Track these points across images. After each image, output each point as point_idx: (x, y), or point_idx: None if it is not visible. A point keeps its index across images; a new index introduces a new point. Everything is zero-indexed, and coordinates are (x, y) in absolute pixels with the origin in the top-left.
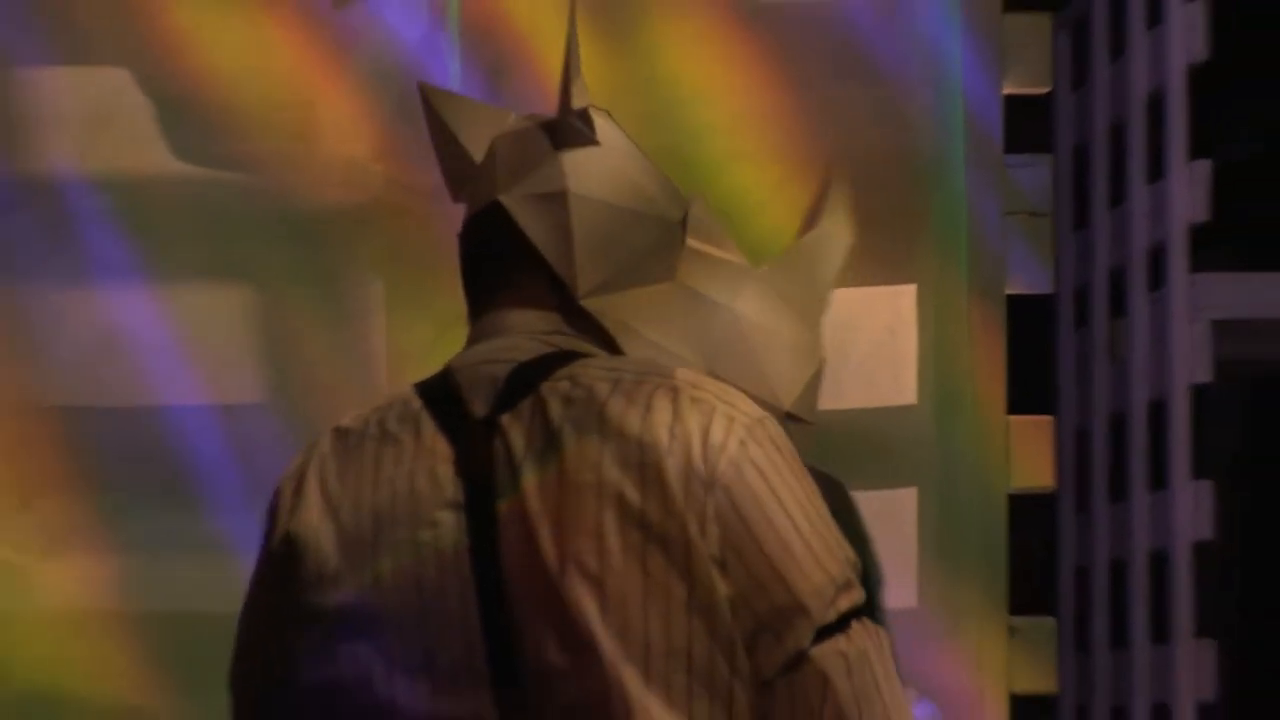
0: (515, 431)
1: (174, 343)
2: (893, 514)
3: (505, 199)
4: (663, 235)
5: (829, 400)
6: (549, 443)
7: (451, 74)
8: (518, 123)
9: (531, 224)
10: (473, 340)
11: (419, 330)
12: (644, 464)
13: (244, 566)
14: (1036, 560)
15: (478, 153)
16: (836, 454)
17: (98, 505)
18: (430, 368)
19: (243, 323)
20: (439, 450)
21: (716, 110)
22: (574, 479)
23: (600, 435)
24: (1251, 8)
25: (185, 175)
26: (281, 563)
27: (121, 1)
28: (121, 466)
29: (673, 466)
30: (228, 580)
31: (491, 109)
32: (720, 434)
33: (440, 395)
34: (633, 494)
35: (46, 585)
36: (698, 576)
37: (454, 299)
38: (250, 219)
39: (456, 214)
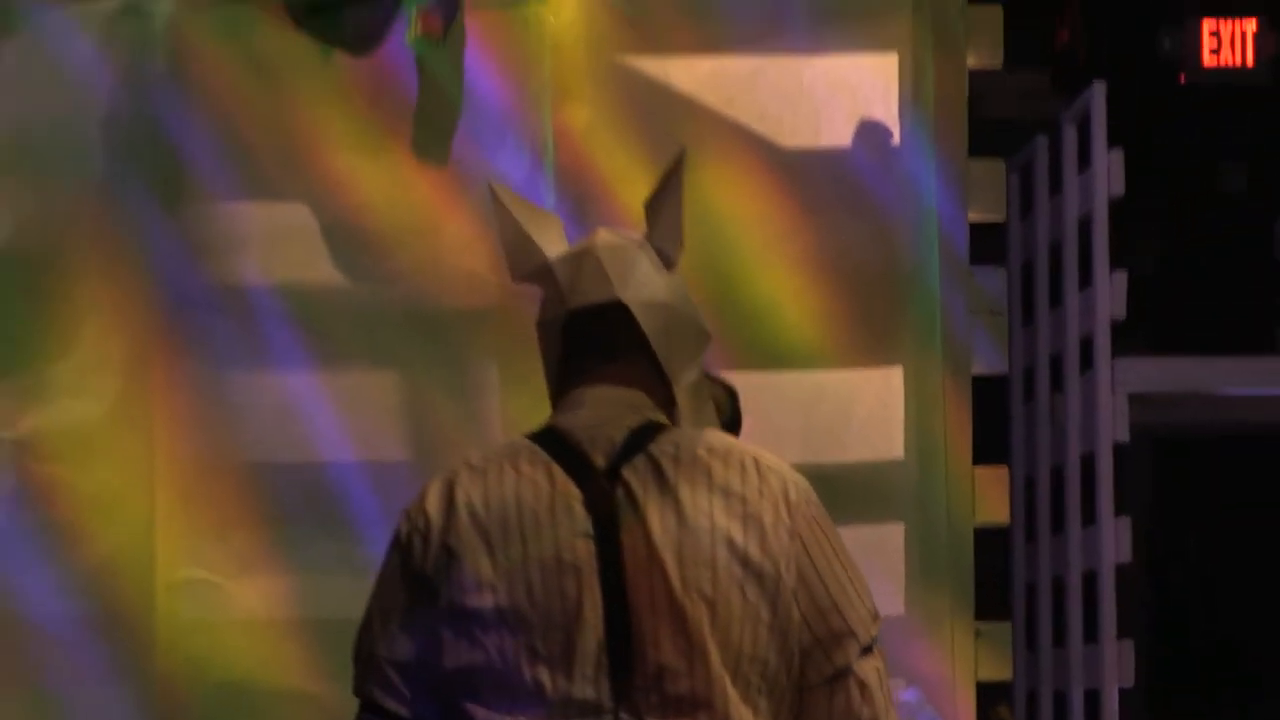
0: (634, 481)
1: (336, 413)
2: (884, 543)
3: (629, 302)
4: (702, 336)
5: (836, 454)
6: (665, 492)
7: (548, 205)
8: (609, 236)
9: (647, 323)
10: (572, 407)
11: (524, 401)
12: (746, 515)
13: None
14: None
15: (548, 243)
16: (842, 497)
17: (276, 537)
18: (529, 428)
19: (389, 398)
20: (570, 491)
21: (748, 233)
22: (692, 522)
23: (709, 490)
24: (1158, 155)
25: (345, 284)
26: (436, 570)
27: (296, 149)
28: (296, 508)
29: (768, 519)
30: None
31: (545, 212)
32: (795, 496)
33: (562, 448)
34: (738, 537)
35: (238, 600)
36: (781, 604)
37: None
38: (394, 318)
39: None
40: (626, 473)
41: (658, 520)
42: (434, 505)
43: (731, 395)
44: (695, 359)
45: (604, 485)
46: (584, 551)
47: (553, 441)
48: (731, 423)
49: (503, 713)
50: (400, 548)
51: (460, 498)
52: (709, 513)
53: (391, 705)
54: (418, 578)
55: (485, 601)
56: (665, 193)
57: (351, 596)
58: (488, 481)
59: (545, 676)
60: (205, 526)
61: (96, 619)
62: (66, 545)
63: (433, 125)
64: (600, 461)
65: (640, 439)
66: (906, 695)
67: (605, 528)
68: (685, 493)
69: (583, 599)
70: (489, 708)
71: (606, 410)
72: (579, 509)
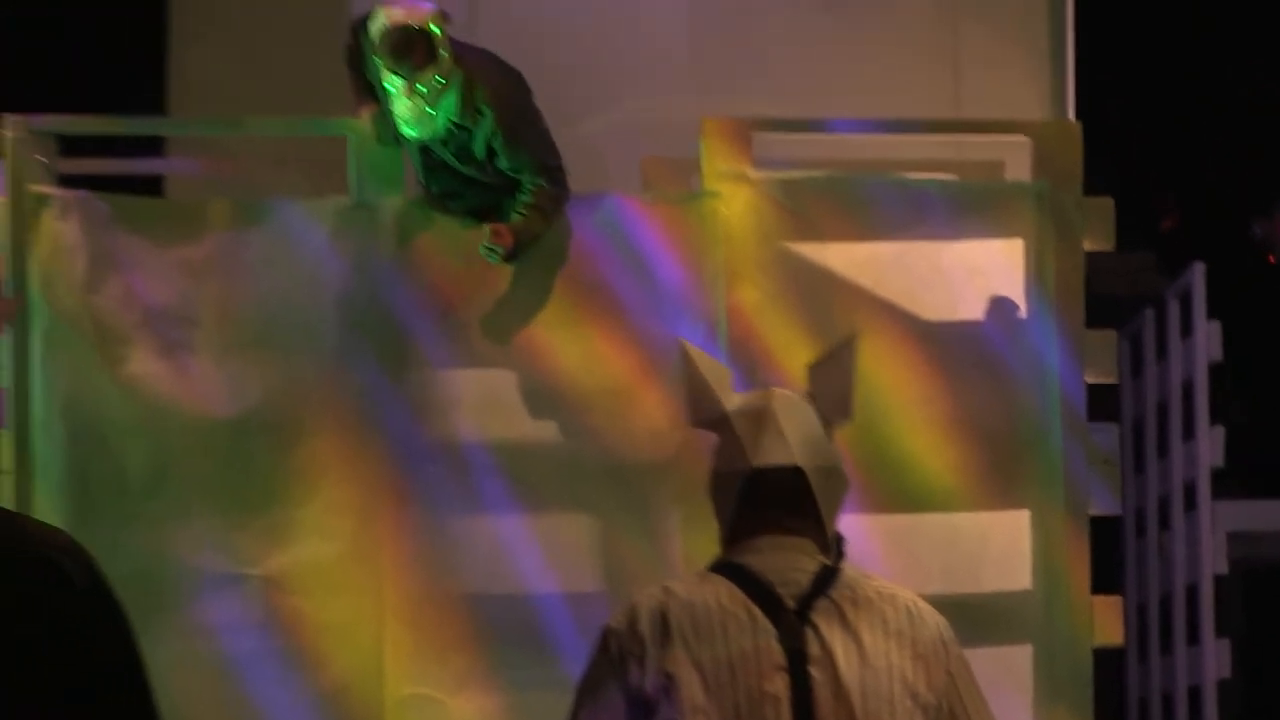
0: (821, 623)
1: (539, 551)
2: (1014, 662)
3: (806, 468)
4: (846, 487)
5: (971, 586)
6: (848, 632)
7: None
8: (784, 399)
9: (816, 485)
10: (756, 550)
11: (700, 541)
12: (915, 655)
13: None
14: (1112, 693)
15: (723, 395)
16: (978, 623)
17: (489, 659)
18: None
19: (585, 538)
20: (767, 629)
21: (893, 395)
22: (872, 661)
23: (885, 633)
24: (1250, 324)
25: (546, 439)
26: (656, 692)
27: (503, 324)
28: (506, 633)
29: (932, 659)
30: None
31: (720, 366)
32: (947, 637)
33: (756, 589)
34: (910, 675)
35: (456, 714)
36: None
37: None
38: (589, 468)
39: None
40: (814, 614)
41: (843, 658)
42: (648, 631)
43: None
44: (841, 507)
45: (795, 625)
46: (781, 683)
47: (747, 581)
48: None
49: None
50: (613, 664)
51: (674, 629)
52: (885, 653)
53: None
54: (636, 695)
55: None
56: (836, 369)
57: (553, 711)
58: (696, 615)
59: None
60: (428, 650)
61: None
62: (308, 667)
63: (621, 303)
64: (790, 602)
65: (822, 583)
66: None
67: (798, 663)
68: (865, 634)
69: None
70: None
71: (787, 556)
72: (775, 645)
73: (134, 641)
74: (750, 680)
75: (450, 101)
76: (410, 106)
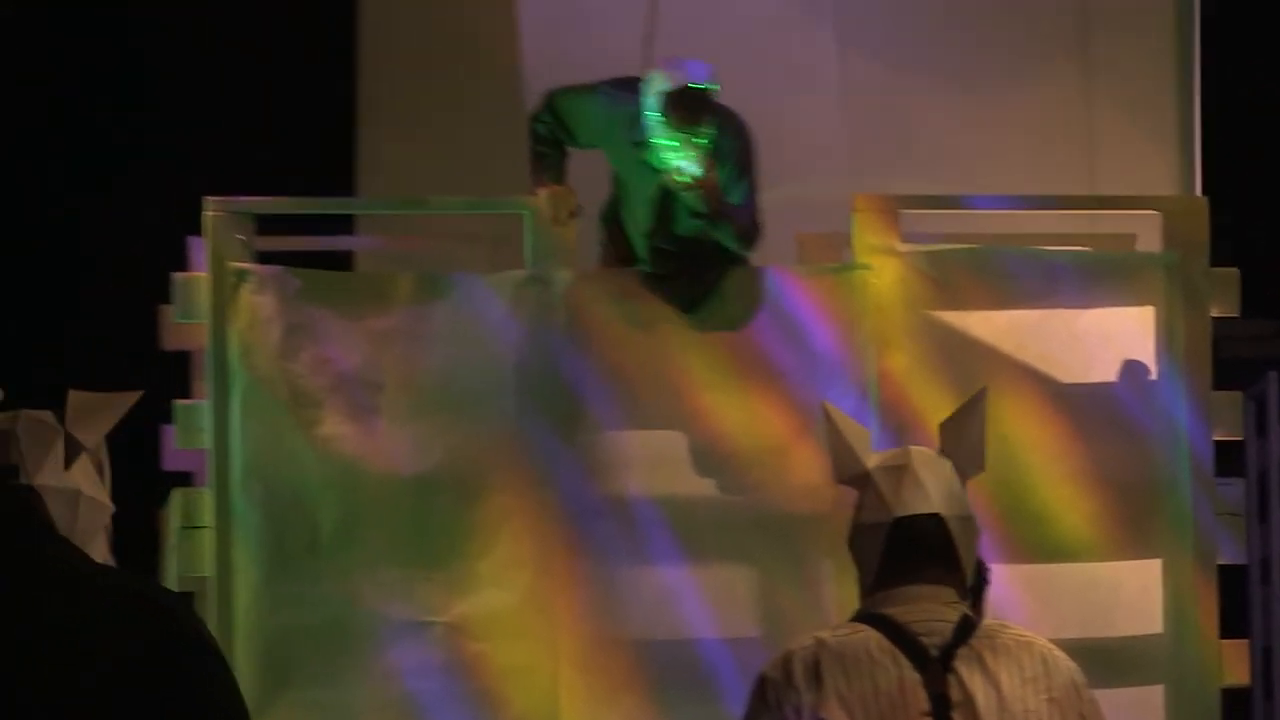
0: (963, 669)
1: (702, 600)
2: (1147, 702)
3: (945, 516)
4: (978, 535)
5: (1106, 630)
6: (988, 679)
7: (872, 431)
8: (922, 455)
9: (955, 532)
10: (901, 600)
11: (852, 591)
12: (1050, 699)
13: None
14: None
15: (863, 453)
16: (1112, 665)
17: (657, 700)
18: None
19: (744, 587)
20: (913, 677)
21: (1032, 452)
22: (1010, 706)
23: (1021, 679)
24: None
25: (709, 495)
26: None
27: (669, 388)
28: (672, 676)
29: (1066, 703)
30: None
31: (860, 427)
32: (1079, 681)
33: (902, 638)
34: (1045, 718)
35: None
36: None
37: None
38: (748, 522)
39: None
40: (956, 661)
41: (983, 703)
42: (802, 680)
43: (980, 571)
44: (976, 553)
45: (939, 672)
46: None
47: (894, 631)
48: (976, 597)
49: None
50: (769, 710)
51: (826, 677)
52: (1022, 698)
53: None
54: None
55: None
56: (969, 423)
57: None
58: (846, 663)
59: None
60: (600, 692)
61: None
62: (488, 708)
63: (779, 369)
64: (934, 651)
65: (963, 633)
66: None
67: (941, 707)
68: (1004, 680)
69: None
70: None
71: (931, 606)
72: (921, 692)
73: (236, 684)
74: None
75: (727, 162)
76: (687, 156)
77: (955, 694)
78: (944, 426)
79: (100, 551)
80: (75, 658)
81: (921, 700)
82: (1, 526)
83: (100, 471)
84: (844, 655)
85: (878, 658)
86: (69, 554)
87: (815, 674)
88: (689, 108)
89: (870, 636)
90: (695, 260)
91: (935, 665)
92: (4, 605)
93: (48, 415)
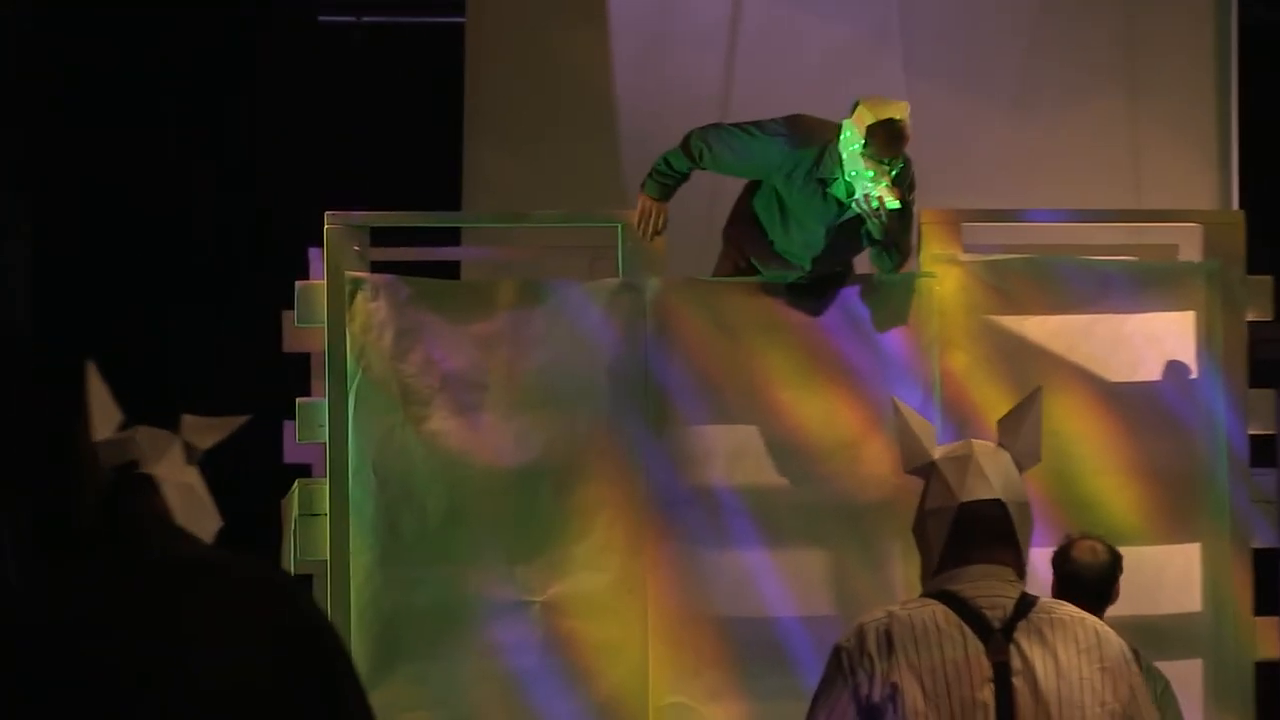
0: (1023, 641)
1: (780, 580)
2: (1188, 673)
3: (1006, 501)
4: (1032, 522)
5: (1150, 608)
6: (1046, 649)
7: (936, 425)
8: (983, 446)
9: (1015, 517)
10: (966, 579)
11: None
12: (1103, 669)
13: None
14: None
15: (929, 446)
16: (1155, 640)
17: (738, 673)
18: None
19: (819, 568)
20: (978, 647)
21: (1082, 445)
22: (1067, 675)
23: (1076, 650)
24: None
25: (787, 485)
26: (883, 699)
27: (751, 386)
28: (752, 651)
29: (1118, 673)
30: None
31: (926, 422)
32: (1128, 655)
33: (967, 612)
34: (1099, 686)
35: (711, 719)
36: None
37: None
38: (824, 509)
39: None
40: (1017, 634)
41: (1042, 671)
42: (875, 650)
43: (1114, 556)
44: (1031, 539)
45: (1002, 643)
46: (988, 693)
47: (960, 606)
48: (1113, 579)
49: None
50: (845, 677)
51: (900, 647)
52: (1077, 667)
53: None
54: (867, 704)
55: None
56: (1026, 419)
57: (792, 717)
58: (916, 634)
59: None
60: (686, 665)
61: None
62: (582, 680)
63: (852, 368)
64: (996, 624)
65: (1024, 608)
66: None
67: (1003, 675)
68: (1060, 651)
69: None
70: None
71: (993, 584)
72: (984, 661)
73: (352, 661)
74: (964, 690)
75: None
76: (883, 185)
77: (1016, 663)
78: (1002, 422)
79: (208, 537)
80: (211, 637)
81: (985, 668)
82: (125, 517)
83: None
84: (914, 627)
85: (945, 629)
86: (186, 540)
87: (888, 644)
88: (887, 141)
89: (938, 610)
90: (845, 277)
91: (998, 637)
92: (138, 589)
93: (163, 431)
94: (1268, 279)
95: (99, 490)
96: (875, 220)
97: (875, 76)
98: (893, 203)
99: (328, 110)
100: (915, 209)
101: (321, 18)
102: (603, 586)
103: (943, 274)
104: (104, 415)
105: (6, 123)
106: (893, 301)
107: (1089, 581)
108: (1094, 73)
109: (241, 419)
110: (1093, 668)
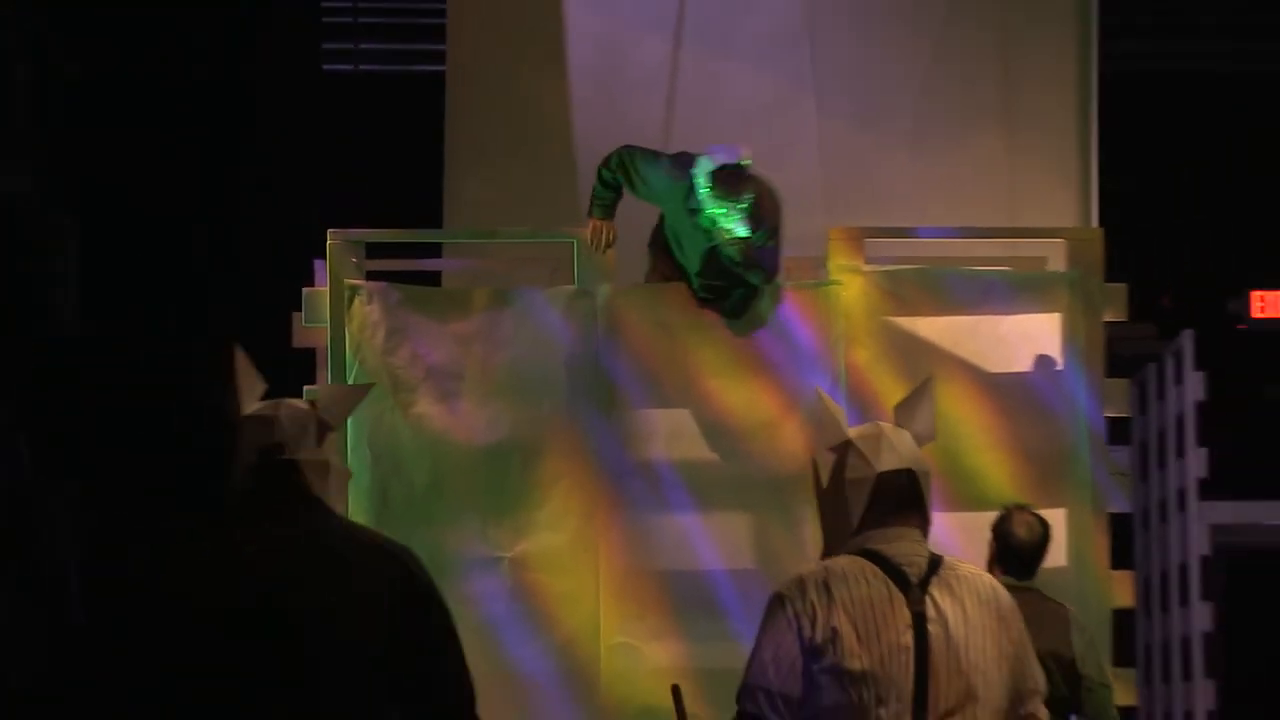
0: (936, 594)
1: (710, 541)
2: None
3: (916, 470)
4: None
5: None
6: (955, 601)
7: (844, 410)
8: (889, 426)
9: (922, 485)
10: (885, 540)
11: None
12: (999, 618)
13: (748, 646)
14: (1126, 641)
15: (845, 427)
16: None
17: (676, 617)
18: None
19: (744, 530)
20: (899, 598)
21: (965, 426)
22: (973, 623)
23: (979, 602)
24: (1226, 374)
25: (717, 460)
26: (824, 640)
27: (686, 377)
28: (687, 599)
29: (1010, 621)
30: (743, 651)
31: (840, 409)
32: (1014, 606)
33: (890, 568)
34: (999, 634)
35: (651, 657)
36: (1015, 671)
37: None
38: (748, 480)
39: None
40: (931, 588)
41: (953, 620)
42: (816, 597)
43: (1045, 526)
44: (931, 504)
45: (919, 596)
46: (909, 638)
47: (882, 561)
48: (1043, 545)
49: None
50: (789, 620)
51: (837, 595)
52: (980, 616)
53: (766, 715)
54: (809, 645)
55: (856, 664)
56: (920, 404)
57: (720, 655)
58: (849, 582)
59: (881, 713)
60: (631, 611)
61: (563, 671)
62: (544, 624)
63: (771, 361)
64: (914, 579)
65: (935, 565)
66: (1072, 717)
67: (920, 623)
68: (966, 602)
69: (908, 667)
70: None
71: (908, 543)
72: (905, 610)
73: (450, 617)
74: (889, 634)
75: (758, 222)
76: (738, 224)
77: (931, 612)
78: (899, 407)
79: (342, 508)
80: (360, 591)
81: (906, 617)
82: (274, 494)
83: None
84: (847, 576)
85: (872, 580)
86: (325, 513)
87: (827, 592)
88: (729, 183)
89: (865, 565)
90: (733, 290)
91: (915, 590)
92: (291, 553)
93: (302, 403)
94: (1122, 286)
95: (247, 468)
96: (731, 248)
97: (792, 117)
98: (739, 231)
99: (330, 145)
100: (780, 234)
101: (325, 66)
102: (561, 545)
103: (848, 281)
104: (250, 390)
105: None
106: (805, 305)
107: (1026, 554)
108: (976, 112)
109: (367, 386)
110: (991, 617)
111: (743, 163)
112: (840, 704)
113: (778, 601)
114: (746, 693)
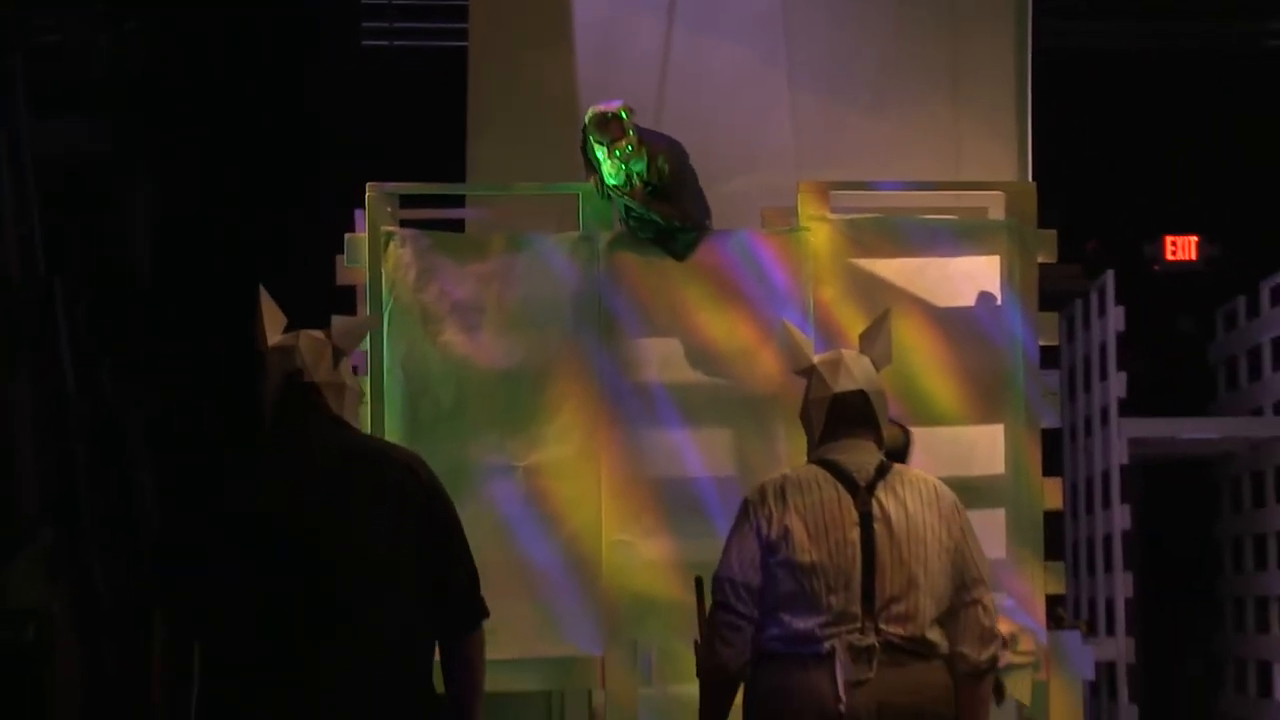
0: (882, 495)
1: (699, 452)
2: (994, 520)
3: (868, 391)
4: (887, 406)
5: (967, 471)
6: (898, 501)
7: (812, 339)
8: (849, 353)
9: (876, 406)
10: (839, 451)
11: (798, 444)
12: (940, 515)
13: (721, 541)
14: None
15: (810, 354)
16: (971, 495)
17: (667, 517)
18: (801, 459)
19: (727, 443)
20: (847, 500)
21: (917, 353)
22: (914, 520)
23: (921, 502)
24: (1141, 309)
25: (703, 382)
26: (778, 538)
27: (675, 310)
28: (677, 502)
29: (950, 518)
30: (716, 546)
31: (807, 339)
32: (956, 503)
33: (841, 474)
34: (939, 529)
35: (645, 552)
36: (953, 564)
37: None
38: (730, 399)
39: None
40: (877, 490)
41: (895, 518)
42: (773, 502)
43: (906, 434)
44: (886, 419)
45: (866, 497)
46: (855, 534)
47: (834, 468)
48: (905, 449)
49: (805, 618)
50: (750, 521)
51: (791, 499)
52: (922, 514)
53: (741, 608)
54: (766, 542)
55: (806, 558)
56: (879, 333)
57: (705, 550)
58: (802, 488)
59: (832, 599)
60: (628, 513)
61: (569, 564)
62: (553, 525)
63: (749, 297)
64: (862, 482)
65: (882, 471)
66: (1008, 603)
67: (866, 521)
68: (909, 502)
69: (855, 559)
70: (795, 616)
71: (859, 453)
72: (853, 510)
73: (454, 509)
74: (837, 531)
75: (640, 165)
76: (612, 166)
77: (876, 511)
78: (862, 336)
79: (356, 422)
80: (378, 491)
81: (853, 515)
82: (301, 414)
83: (353, 368)
84: (801, 483)
85: (823, 485)
86: (347, 429)
87: (782, 496)
88: (601, 127)
89: (818, 472)
90: (661, 233)
91: (863, 492)
92: (324, 459)
93: (318, 333)
94: (1053, 232)
95: (275, 390)
96: (620, 196)
97: (767, 88)
98: (611, 178)
99: (369, 110)
100: (683, 179)
101: (364, 43)
102: (567, 456)
103: (816, 229)
104: (274, 324)
105: (135, 120)
106: (779, 248)
107: (891, 456)
108: (927, 83)
109: (375, 317)
110: (933, 515)
111: (620, 113)
112: (793, 592)
113: (742, 507)
114: (716, 583)
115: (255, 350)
